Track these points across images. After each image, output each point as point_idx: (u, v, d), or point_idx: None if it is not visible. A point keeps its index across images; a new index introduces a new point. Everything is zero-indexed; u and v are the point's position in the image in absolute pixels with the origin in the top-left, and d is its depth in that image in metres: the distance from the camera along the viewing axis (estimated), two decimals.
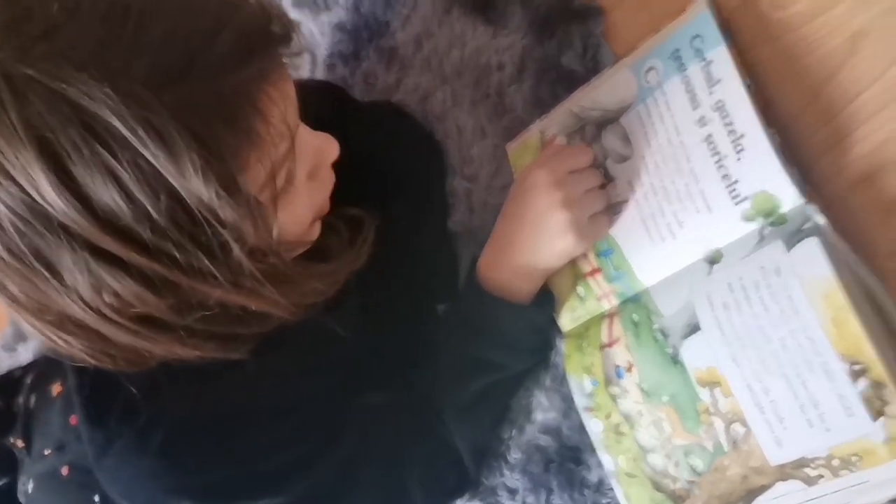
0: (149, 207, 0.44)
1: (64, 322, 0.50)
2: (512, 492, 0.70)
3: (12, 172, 0.42)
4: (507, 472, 0.71)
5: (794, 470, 0.54)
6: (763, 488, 0.56)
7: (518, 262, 0.66)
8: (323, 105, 0.60)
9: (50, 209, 0.43)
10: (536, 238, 0.65)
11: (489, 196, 0.77)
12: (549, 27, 0.75)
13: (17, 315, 0.50)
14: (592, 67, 0.72)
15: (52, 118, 0.41)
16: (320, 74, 0.92)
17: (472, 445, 0.70)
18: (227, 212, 0.46)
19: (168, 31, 0.44)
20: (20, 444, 0.97)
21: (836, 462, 0.52)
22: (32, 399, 0.92)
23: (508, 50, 0.77)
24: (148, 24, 0.44)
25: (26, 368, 1.08)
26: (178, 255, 0.46)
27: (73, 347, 0.51)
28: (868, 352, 0.51)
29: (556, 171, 0.64)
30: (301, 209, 0.57)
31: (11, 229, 0.44)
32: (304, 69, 0.94)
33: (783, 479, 0.55)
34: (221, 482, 0.59)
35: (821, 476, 0.53)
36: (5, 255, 0.45)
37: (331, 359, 0.69)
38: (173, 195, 0.44)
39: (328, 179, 0.61)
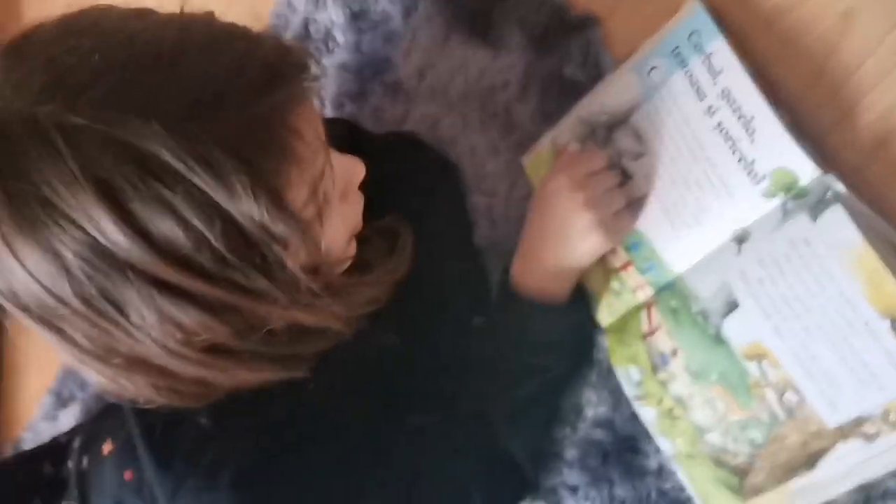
0: (205, 233, 0.46)
1: (131, 364, 0.51)
2: (573, 489, 0.71)
3: (75, 216, 0.44)
4: (565, 470, 0.72)
5: (853, 429, 0.56)
6: (824, 451, 0.57)
7: (549, 266, 0.68)
8: (338, 138, 0.63)
9: (114, 248, 0.45)
10: (564, 240, 0.67)
11: (509, 209, 0.79)
12: (547, 42, 0.78)
13: (81, 365, 0.52)
14: (595, 75, 0.75)
15: (107, 159, 0.44)
16: (329, 114, 0.95)
17: (529, 450, 0.71)
18: (277, 228, 0.48)
19: (200, 69, 0.47)
20: None
21: (892, 416, 0.54)
22: (84, 461, 0.93)
23: (511, 69, 0.80)
24: (180, 64, 0.46)
25: (71, 433, 1.09)
26: (237, 279, 0.48)
27: (139, 388, 0.53)
28: None
29: (575, 175, 0.67)
30: (338, 229, 0.59)
31: (81, 275, 0.46)
32: None
33: (843, 440, 0.56)
34: None
35: (879, 432, 0.55)
36: (76, 303, 0.47)
37: (377, 379, 0.71)
38: (227, 218, 0.46)
39: (358, 200, 0.63)
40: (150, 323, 0.48)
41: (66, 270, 0.46)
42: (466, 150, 0.83)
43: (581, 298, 0.72)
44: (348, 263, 0.63)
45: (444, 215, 0.83)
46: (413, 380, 0.75)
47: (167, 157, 0.44)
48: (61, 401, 1.24)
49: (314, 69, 0.53)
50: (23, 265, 0.46)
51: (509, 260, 0.77)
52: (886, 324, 0.54)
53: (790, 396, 0.59)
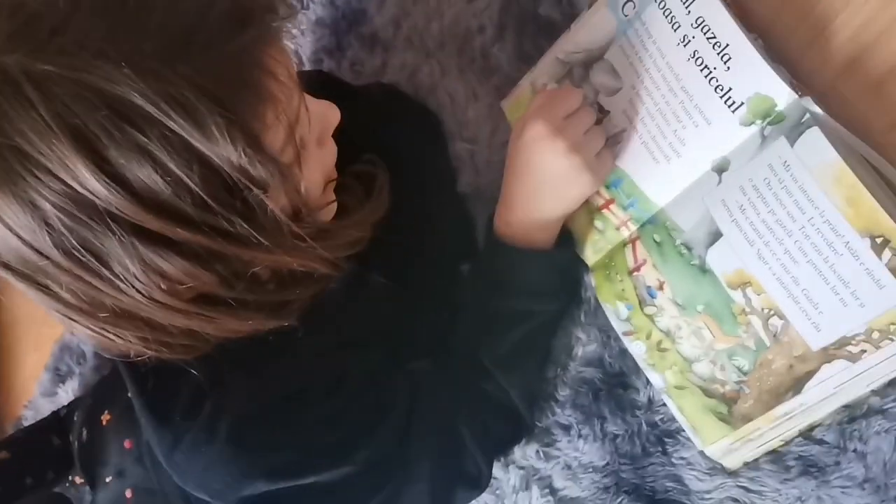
0: (184, 178, 0.46)
1: (118, 317, 0.51)
2: (566, 428, 0.72)
3: (50, 167, 0.44)
4: (557, 410, 0.73)
5: (837, 350, 0.56)
6: (810, 374, 0.58)
7: (535, 215, 0.68)
8: (316, 90, 0.62)
9: (93, 197, 0.45)
10: (551, 190, 0.66)
11: (492, 154, 0.79)
12: None
13: (69, 321, 0.52)
14: (570, 13, 0.75)
15: (79, 106, 0.43)
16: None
17: (524, 392, 0.72)
18: (256, 170, 0.48)
19: (167, 9, 0.46)
20: (79, 480, 0.99)
21: (875, 335, 0.55)
22: (84, 433, 0.94)
23: (486, 11, 0.79)
24: (147, 4, 0.46)
25: (70, 406, 1.10)
26: (219, 224, 0.48)
27: (128, 342, 0.53)
28: (886, 223, 0.53)
29: (552, 119, 0.65)
30: (315, 174, 0.59)
31: (60, 226, 0.46)
32: None
33: (828, 362, 0.57)
34: (291, 460, 0.62)
35: (863, 351, 0.55)
36: (57, 255, 0.47)
37: (370, 330, 0.71)
38: (205, 162, 0.46)
39: (333, 145, 0.63)
40: (134, 273, 0.48)
41: (45, 222, 0.46)
42: (446, 98, 0.82)
43: (567, 240, 0.71)
44: (326, 209, 0.63)
45: (427, 165, 0.83)
46: (404, 327, 0.76)
47: (139, 100, 0.44)
48: (59, 377, 1.25)
49: (283, 8, 0.52)
50: (1, 220, 0.46)
51: (494, 208, 0.77)
52: (866, 242, 0.54)
53: (775, 322, 0.59)
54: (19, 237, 0.47)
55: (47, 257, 0.47)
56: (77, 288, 0.49)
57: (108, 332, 0.52)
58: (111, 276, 0.48)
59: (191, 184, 0.46)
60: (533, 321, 0.71)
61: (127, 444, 0.84)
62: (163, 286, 0.50)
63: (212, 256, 0.50)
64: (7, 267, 0.49)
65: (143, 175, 0.45)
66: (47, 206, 0.45)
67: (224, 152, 0.46)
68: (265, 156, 0.48)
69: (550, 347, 0.74)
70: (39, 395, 1.28)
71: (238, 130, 0.46)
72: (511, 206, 0.69)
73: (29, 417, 1.32)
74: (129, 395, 0.63)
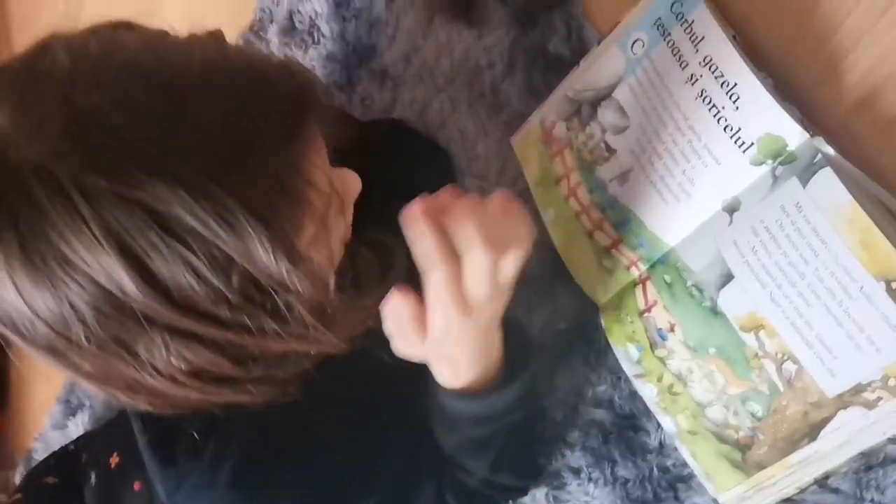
0: (223, 289, 0.45)
1: (132, 387, 0.51)
2: (576, 471, 0.71)
3: (93, 275, 0.43)
4: (567, 452, 0.71)
5: (853, 397, 0.55)
6: (825, 421, 0.56)
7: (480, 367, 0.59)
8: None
9: (132, 301, 0.44)
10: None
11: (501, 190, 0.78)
12: (530, 18, 0.77)
13: (81, 382, 0.52)
14: (578, 49, 0.74)
15: (129, 223, 0.42)
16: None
17: (518, 478, 0.70)
18: (292, 279, 0.47)
19: (223, 122, 0.45)
20: None
21: (892, 381, 0.53)
22: (93, 477, 0.94)
23: (496, 47, 0.79)
24: (202, 116, 0.44)
25: (77, 443, 1.10)
26: (248, 323, 0.48)
27: (138, 404, 0.53)
28: None
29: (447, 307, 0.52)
30: (334, 244, 0.58)
31: (94, 322, 0.45)
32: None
33: (843, 408, 0.55)
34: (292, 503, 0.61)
35: (880, 398, 0.54)
36: (85, 344, 0.46)
37: (368, 385, 0.70)
38: (245, 274, 0.46)
39: (351, 211, 0.62)
40: (158, 361, 0.48)
41: (82, 321, 0.45)
42: (456, 133, 0.82)
43: (517, 365, 0.61)
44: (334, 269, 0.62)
45: None
46: (402, 381, 0.74)
47: (190, 220, 0.43)
48: (70, 409, 1.25)
49: (324, 100, 0.53)
50: (36, 314, 0.46)
51: None
52: (882, 286, 0.53)
53: (789, 366, 0.58)
54: (52, 328, 0.46)
55: (78, 346, 0.47)
56: (98, 365, 0.49)
57: (119, 396, 0.52)
58: (135, 362, 0.48)
59: (228, 294, 0.46)
60: (510, 429, 0.64)
61: (136, 486, 0.84)
62: (184, 369, 0.49)
63: (235, 348, 0.50)
64: (33, 343, 0.48)
65: (185, 285, 0.45)
66: (83, 307, 0.44)
67: (265, 267, 0.46)
68: (301, 264, 0.48)
69: (539, 429, 0.72)
70: (50, 428, 1.28)
71: (280, 246, 0.46)
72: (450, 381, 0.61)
73: (39, 450, 1.32)
74: (137, 442, 0.63)
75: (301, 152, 0.48)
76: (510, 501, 0.75)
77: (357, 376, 0.68)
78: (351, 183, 0.59)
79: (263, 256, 0.45)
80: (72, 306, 0.45)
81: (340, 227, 0.60)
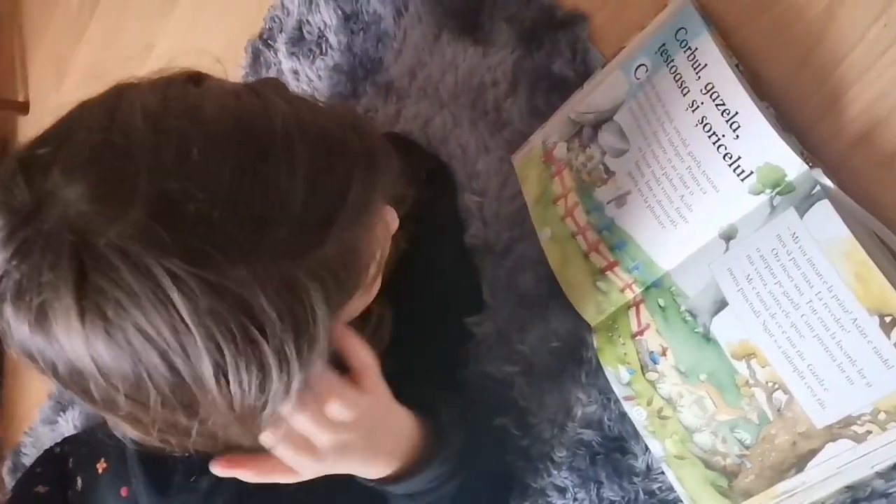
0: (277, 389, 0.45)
1: (132, 419, 0.49)
2: (561, 490, 0.71)
3: (171, 354, 0.42)
4: (554, 471, 0.71)
5: (842, 429, 0.55)
6: (813, 452, 0.57)
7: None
8: None
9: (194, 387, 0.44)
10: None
11: (500, 207, 0.79)
12: (536, 38, 0.78)
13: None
14: (583, 71, 0.75)
15: (216, 308, 0.41)
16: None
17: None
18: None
19: (306, 199, 0.43)
20: None
21: (882, 416, 0.53)
22: (79, 482, 0.93)
23: (500, 66, 0.80)
24: (287, 195, 0.43)
25: (63, 446, 1.10)
26: None
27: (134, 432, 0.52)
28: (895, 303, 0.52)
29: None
30: (378, 284, 0.57)
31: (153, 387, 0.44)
32: None
33: (832, 440, 0.55)
34: None
35: (869, 432, 0.54)
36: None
37: None
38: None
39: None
40: None
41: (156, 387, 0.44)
42: (457, 149, 0.83)
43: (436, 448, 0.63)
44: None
45: (437, 216, 0.83)
46: (410, 378, 0.75)
47: (268, 312, 0.42)
48: (61, 406, 1.25)
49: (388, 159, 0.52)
50: (111, 382, 0.44)
51: (501, 262, 0.77)
52: (875, 320, 0.53)
53: (779, 396, 0.58)
54: (127, 396, 0.45)
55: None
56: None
57: (118, 423, 0.50)
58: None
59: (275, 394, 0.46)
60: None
61: (123, 491, 0.84)
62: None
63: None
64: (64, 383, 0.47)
65: (246, 382, 0.44)
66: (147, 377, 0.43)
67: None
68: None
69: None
70: (40, 423, 1.28)
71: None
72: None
73: (28, 444, 1.31)
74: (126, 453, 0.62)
75: (374, 220, 0.48)
76: None
77: None
78: (393, 222, 0.58)
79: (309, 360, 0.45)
80: (136, 373, 0.43)
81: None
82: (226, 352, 0.42)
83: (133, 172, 0.41)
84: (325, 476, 0.59)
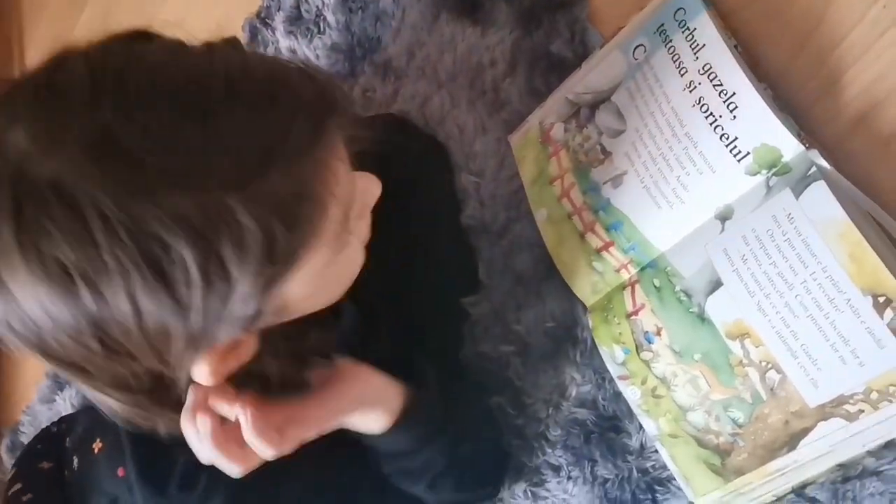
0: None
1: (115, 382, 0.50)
2: (556, 468, 0.71)
3: (106, 294, 0.43)
4: (548, 450, 0.72)
5: (834, 408, 0.55)
6: (805, 431, 0.57)
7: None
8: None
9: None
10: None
11: (497, 188, 0.79)
12: (535, 18, 0.77)
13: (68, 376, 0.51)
14: (581, 52, 0.75)
15: (143, 246, 0.41)
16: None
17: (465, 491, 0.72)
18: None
19: (246, 133, 0.43)
20: None
21: (874, 395, 0.54)
22: (76, 461, 0.94)
23: (499, 46, 0.79)
24: (226, 130, 0.43)
25: (60, 426, 1.10)
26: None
27: (116, 409, 0.52)
28: (890, 283, 0.52)
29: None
30: (359, 246, 0.58)
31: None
32: None
33: (824, 419, 0.56)
34: None
35: (861, 411, 0.54)
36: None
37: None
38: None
39: (370, 212, 0.61)
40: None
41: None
42: (455, 129, 0.83)
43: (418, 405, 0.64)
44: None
45: (433, 196, 0.83)
46: (405, 356, 0.75)
47: (187, 246, 0.42)
48: (59, 384, 1.25)
49: (345, 104, 0.51)
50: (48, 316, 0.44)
51: (497, 242, 0.77)
52: (868, 301, 0.53)
53: (772, 375, 0.58)
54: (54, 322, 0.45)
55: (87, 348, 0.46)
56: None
57: (97, 395, 0.51)
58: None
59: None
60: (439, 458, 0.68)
61: (120, 472, 0.84)
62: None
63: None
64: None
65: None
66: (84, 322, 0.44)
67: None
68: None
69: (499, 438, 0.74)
70: (38, 401, 1.29)
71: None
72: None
73: (26, 423, 1.32)
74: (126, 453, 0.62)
75: (324, 159, 0.47)
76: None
77: None
78: (373, 187, 0.58)
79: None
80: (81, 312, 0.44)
81: (362, 231, 0.59)
82: (141, 288, 0.42)
83: (70, 111, 0.42)
84: (324, 468, 0.61)
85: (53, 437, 1.09)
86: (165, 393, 0.51)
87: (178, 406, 0.52)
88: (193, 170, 0.42)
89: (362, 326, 0.67)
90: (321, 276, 0.51)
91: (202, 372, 0.49)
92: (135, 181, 0.41)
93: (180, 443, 0.55)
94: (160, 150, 0.41)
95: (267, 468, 0.60)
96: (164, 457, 0.60)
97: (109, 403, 0.52)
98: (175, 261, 0.42)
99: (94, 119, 0.41)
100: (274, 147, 0.44)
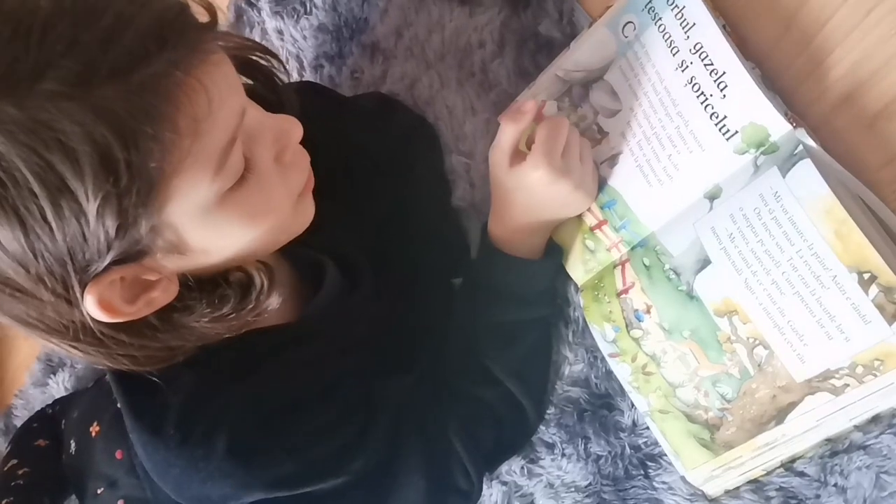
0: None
1: (72, 332, 0.51)
2: (550, 446, 0.72)
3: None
4: (542, 427, 0.73)
5: (821, 383, 0.57)
6: (792, 405, 0.58)
7: (534, 228, 0.69)
8: (307, 103, 0.62)
9: None
10: (551, 211, 0.69)
11: (487, 169, 0.79)
12: None
13: (35, 337, 0.52)
14: (570, 32, 0.75)
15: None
16: (308, 77, 0.94)
17: (535, 399, 0.72)
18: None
19: (69, 42, 0.43)
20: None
21: (859, 369, 0.55)
22: (73, 445, 0.94)
23: (487, 26, 0.79)
24: (47, 37, 0.42)
25: (55, 407, 1.11)
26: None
27: (91, 356, 0.53)
28: (874, 259, 0.53)
29: (554, 160, 0.64)
30: (275, 194, 0.56)
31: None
32: (292, 74, 0.96)
33: (811, 394, 0.57)
34: (289, 472, 0.61)
35: (847, 385, 0.55)
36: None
37: (359, 340, 0.71)
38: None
39: (300, 160, 0.60)
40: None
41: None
42: (444, 111, 0.83)
43: (554, 245, 0.73)
44: (301, 229, 0.61)
45: (422, 177, 0.83)
46: (393, 338, 0.76)
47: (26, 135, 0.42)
48: (51, 368, 1.25)
49: (208, 25, 0.50)
50: None
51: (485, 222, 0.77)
52: (854, 277, 0.54)
53: (760, 351, 0.59)
54: None
55: None
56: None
57: (69, 348, 0.52)
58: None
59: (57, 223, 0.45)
60: (536, 329, 0.72)
61: (118, 454, 0.85)
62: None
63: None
64: None
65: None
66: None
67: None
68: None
69: (551, 356, 0.74)
70: (30, 385, 1.29)
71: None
72: (510, 222, 0.70)
73: (19, 406, 1.32)
74: (118, 406, 0.62)
75: (175, 78, 0.46)
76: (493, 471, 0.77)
77: (352, 327, 0.70)
78: (289, 128, 0.57)
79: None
80: None
81: (287, 175, 0.58)
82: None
83: None
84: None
85: (49, 418, 1.10)
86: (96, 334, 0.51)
87: (127, 345, 0.53)
88: (15, 77, 0.41)
89: (344, 284, 0.68)
90: (216, 212, 0.51)
91: (89, 304, 0.48)
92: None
93: (169, 383, 0.57)
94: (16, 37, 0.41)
95: (276, 406, 0.61)
96: (156, 399, 0.59)
97: (65, 352, 0.53)
98: (9, 170, 0.42)
99: None
100: (95, 59, 0.43)
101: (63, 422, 1.01)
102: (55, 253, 0.45)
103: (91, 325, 0.50)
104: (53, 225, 0.44)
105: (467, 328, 0.73)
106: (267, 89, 0.59)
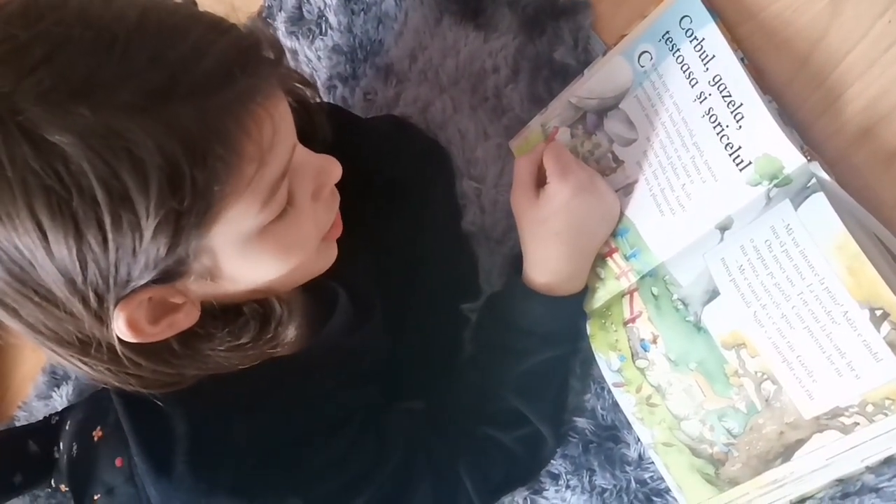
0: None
1: (86, 347, 0.50)
2: (554, 477, 0.71)
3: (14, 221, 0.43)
4: None
5: (830, 420, 0.55)
6: (800, 442, 0.57)
7: (569, 253, 0.67)
8: (334, 129, 0.62)
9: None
10: (590, 234, 0.67)
11: (498, 194, 0.79)
12: (538, 25, 0.77)
13: (44, 348, 0.51)
14: (585, 59, 0.75)
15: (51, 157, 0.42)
16: (321, 97, 0.94)
17: (551, 423, 0.70)
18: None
19: (152, 60, 0.44)
20: (64, 488, 0.99)
21: (869, 408, 0.54)
22: (74, 447, 0.94)
23: (501, 52, 0.80)
24: (132, 53, 0.43)
25: (61, 415, 1.11)
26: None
27: (99, 373, 0.52)
28: (887, 296, 0.52)
29: (575, 178, 0.65)
30: (307, 230, 0.57)
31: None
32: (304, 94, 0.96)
33: (819, 431, 0.56)
34: None
35: (856, 423, 0.54)
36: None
37: (365, 371, 0.70)
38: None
39: (332, 200, 0.61)
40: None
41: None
42: (456, 135, 0.83)
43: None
44: (319, 272, 0.62)
45: (433, 201, 0.83)
46: (403, 370, 0.75)
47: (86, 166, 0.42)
48: (55, 380, 1.25)
49: (277, 61, 0.51)
50: None
51: (497, 248, 0.77)
52: (865, 313, 0.53)
53: (768, 386, 0.58)
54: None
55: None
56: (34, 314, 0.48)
57: (78, 362, 0.52)
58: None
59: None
60: (563, 363, 0.71)
61: (118, 462, 0.84)
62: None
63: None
64: None
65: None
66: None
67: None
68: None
69: (567, 377, 0.73)
70: (34, 398, 1.28)
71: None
72: (552, 263, 0.67)
73: (22, 419, 1.32)
74: (121, 421, 0.62)
75: (247, 107, 0.47)
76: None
77: (357, 359, 0.69)
78: (330, 168, 0.58)
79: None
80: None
81: (318, 214, 0.58)
82: (45, 210, 0.42)
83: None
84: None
85: (50, 428, 1.09)
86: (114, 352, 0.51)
87: (136, 365, 0.52)
88: (95, 83, 0.42)
89: (355, 315, 0.67)
90: (254, 242, 0.51)
91: (119, 321, 0.48)
92: (48, 88, 0.41)
93: (174, 409, 0.56)
94: (66, 67, 0.42)
95: (282, 443, 0.60)
96: (164, 430, 0.58)
97: (73, 367, 0.52)
98: (75, 174, 0.41)
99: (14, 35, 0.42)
100: (176, 76, 0.43)
101: (68, 423, 1.01)
102: (102, 266, 0.45)
103: (114, 343, 0.50)
104: (109, 236, 0.43)
105: (490, 371, 0.71)
106: (303, 120, 0.60)
